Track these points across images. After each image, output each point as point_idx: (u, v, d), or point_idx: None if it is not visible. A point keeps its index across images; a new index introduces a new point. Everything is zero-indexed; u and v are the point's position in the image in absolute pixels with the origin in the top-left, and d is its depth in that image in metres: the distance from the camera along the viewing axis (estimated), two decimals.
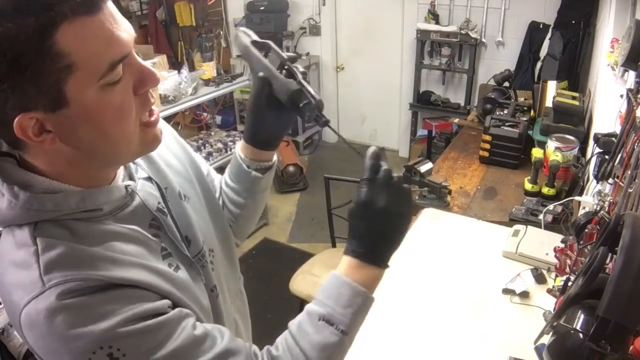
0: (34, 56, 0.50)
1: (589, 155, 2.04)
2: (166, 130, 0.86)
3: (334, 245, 2.56)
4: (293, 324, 0.73)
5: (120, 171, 0.72)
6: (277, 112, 0.80)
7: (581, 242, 1.07)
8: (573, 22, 3.32)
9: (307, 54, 4.73)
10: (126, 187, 0.69)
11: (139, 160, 0.75)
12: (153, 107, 0.65)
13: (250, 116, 0.83)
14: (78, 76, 0.53)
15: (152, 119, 0.65)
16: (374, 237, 0.73)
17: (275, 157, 0.92)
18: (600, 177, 1.47)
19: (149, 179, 0.75)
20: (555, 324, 0.72)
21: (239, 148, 0.89)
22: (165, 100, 3.29)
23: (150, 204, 0.71)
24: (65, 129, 0.56)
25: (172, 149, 0.85)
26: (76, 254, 0.58)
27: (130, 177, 0.73)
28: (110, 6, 0.56)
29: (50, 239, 0.58)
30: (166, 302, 0.63)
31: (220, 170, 1.01)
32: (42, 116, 0.54)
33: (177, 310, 0.63)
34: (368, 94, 4.80)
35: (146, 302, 0.60)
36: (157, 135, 0.67)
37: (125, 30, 0.58)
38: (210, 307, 0.76)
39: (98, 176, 0.66)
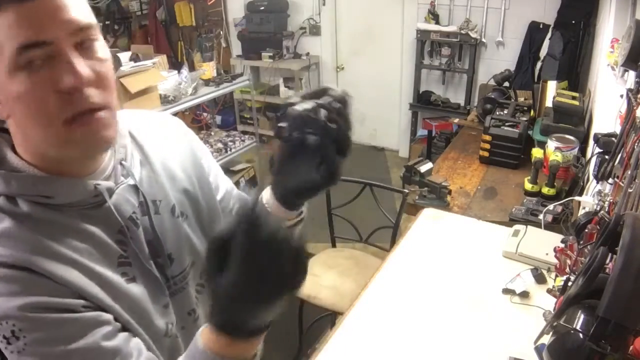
0: None
1: (589, 155, 2.04)
2: (183, 139, 0.85)
3: (334, 245, 2.56)
4: None
5: (109, 171, 0.71)
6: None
7: (581, 242, 1.07)
8: (573, 22, 3.32)
9: (307, 54, 4.73)
10: (95, 185, 0.67)
11: (137, 166, 0.74)
12: (101, 110, 0.62)
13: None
14: (0, 57, 0.56)
15: (77, 120, 0.60)
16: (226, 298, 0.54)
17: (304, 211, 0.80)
18: (600, 177, 1.47)
19: (135, 187, 0.72)
20: (555, 324, 0.72)
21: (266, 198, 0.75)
22: (165, 100, 3.29)
23: (122, 211, 0.70)
24: (4, 102, 0.59)
25: (183, 162, 0.82)
26: (13, 233, 0.61)
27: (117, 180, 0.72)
28: None
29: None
30: (80, 302, 0.62)
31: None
32: None
33: (94, 314, 0.63)
34: (368, 94, 4.79)
35: (55, 296, 0.60)
36: (92, 136, 0.62)
37: (59, 20, 0.56)
38: (167, 329, 0.73)
39: (64, 168, 0.66)
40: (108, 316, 0.64)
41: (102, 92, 0.62)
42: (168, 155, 0.81)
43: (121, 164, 0.72)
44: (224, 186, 0.90)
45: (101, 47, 0.63)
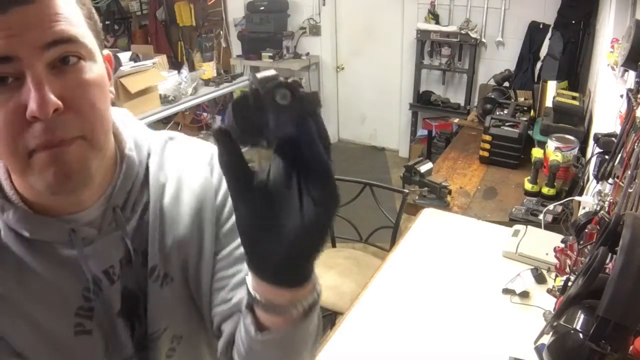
0: None
1: (589, 155, 2.04)
2: (209, 196, 0.70)
3: (334, 245, 2.56)
4: None
5: (97, 214, 0.63)
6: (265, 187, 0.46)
7: (581, 242, 1.07)
8: (573, 22, 3.32)
9: (307, 54, 4.73)
10: (71, 230, 0.60)
11: (135, 213, 0.66)
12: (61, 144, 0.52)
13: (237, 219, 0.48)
14: None
15: (38, 153, 0.52)
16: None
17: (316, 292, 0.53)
18: (600, 177, 1.47)
19: (122, 239, 0.64)
20: (555, 324, 0.72)
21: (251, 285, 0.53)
22: (165, 100, 3.29)
23: (96, 263, 0.62)
24: None
25: (200, 219, 0.69)
26: None
27: (107, 228, 0.64)
28: (26, 11, 0.48)
29: None
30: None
31: None
32: None
33: None
34: (368, 94, 4.80)
35: None
36: (53, 172, 0.52)
37: (30, 33, 0.49)
38: None
39: (44, 200, 0.59)
40: None
41: (78, 120, 0.53)
42: (188, 201, 0.69)
43: (114, 210, 0.63)
44: (230, 246, 0.71)
45: (89, 68, 0.54)
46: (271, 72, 0.42)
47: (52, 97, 0.49)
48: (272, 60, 4.58)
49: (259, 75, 0.42)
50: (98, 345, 0.64)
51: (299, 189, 0.43)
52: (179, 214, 0.68)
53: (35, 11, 0.49)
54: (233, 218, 0.69)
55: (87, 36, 0.54)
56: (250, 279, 0.51)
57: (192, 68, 4.00)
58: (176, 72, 3.55)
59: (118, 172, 0.64)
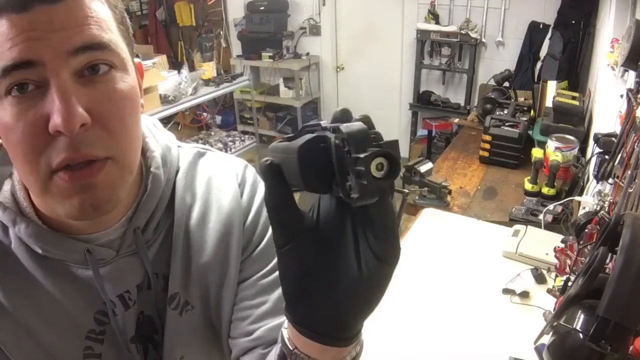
0: None
1: (589, 155, 2.04)
2: (253, 208, 0.66)
3: None
4: None
5: (116, 235, 0.58)
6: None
7: (581, 242, 1.07)
8: (573, 22, 3.32)
9: (307, 54, 4.73)
10: (87, 251, 0.55)
11: (158, 235, 0.61)
12: (87, 163, 0.46)
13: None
14: None
15: (66, 170, 0.46)
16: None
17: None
18: (600, 177, 1.47)
19: (141, 263, 0.59)
20: (555, 324, 0.72)
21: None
22: (165, 100, 3.29)
23: (112, 287, 0.58)
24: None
25: (226, 244, 0.64)
26: None
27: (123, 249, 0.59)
28: (53, 11, 0.43)
29: None
30: None
31: None
32: None
33: None
34: (368, 94, 4.79)
35: None
36: (77, 197, 0.47)
37: (54, 36, 0.43)
38: None
39: (61, 218, 0.54)
40: None
41: (109, 139, 0.47)
42: (215, 224, 0.64)
43: (134, 231, 0.58)
44: (259, 274, 0.66)
45: (120, 78, 0.48)
46: (361, 126, 0.35)
47: (80, 110, 0.43)
48: (272, 60, 4.58)
49: (348, 129, 0.34)
50: None
51: (355, 235, 0.37)
52: (205, 237, 0.63)
53: (63, 12, 0.43)
54: (262, 244, 0.66)
55: (119, 43, 0.49)
56: (287, 330, 0.45)
57: (192, 68, 4.00)
58: (176, 72, 3.55)
59: (142, 190, 0.59)
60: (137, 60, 0.56)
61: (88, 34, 0.45)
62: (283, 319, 0.45)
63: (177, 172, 0.64)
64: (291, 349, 0.44)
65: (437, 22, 3.98)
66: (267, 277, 0.65)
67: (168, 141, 0.65)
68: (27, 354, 0.55)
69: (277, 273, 0.52)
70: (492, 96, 3.26)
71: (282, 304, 0.43)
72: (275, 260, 0.53)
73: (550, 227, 1.82)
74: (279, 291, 0.63)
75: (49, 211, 0.55)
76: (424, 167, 2.20)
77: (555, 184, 2.15)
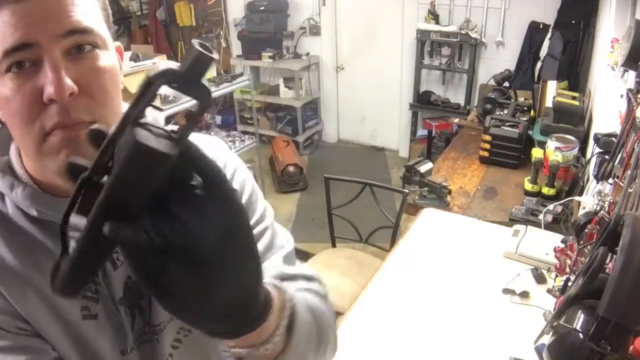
0: None
1: (589, 155, 2.04)
2: (237, 177, 0.73)
3: (334, 245, 2.56)
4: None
5: None
6: None
7: (581, 242, 1.07)
8: (573, 22, 3.32)
9: (307, 54, 4.73)
10: None
11: None
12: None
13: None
14: None
15: (53, 135, 0.54)
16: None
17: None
18: (600, 177, 1.47)
19: None
20: (555, 324, 0.72)
21: None
22: (165, 100, 3.29)
23: None
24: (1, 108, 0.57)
25: None
26: None
27: None
28: (48, 1, 0.52)
29: None
30: (16, 322, 0.58)
31: None
32: None
33: (25, 339, 0.58)
34: (368, 94, 4.80)
35: None
36: (58, 157, 0.55)
37: (48, 22, 0.51)
38: None
39: (56, 182, 0.61)
40: (42, 346, 0.59)
41: (94, 106, 0.55)
42: None
43: None
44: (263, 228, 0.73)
45: (102, 56, 0.57)
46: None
47: (69, 81, 0.52)
48: (272, 60, 4.58)
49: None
50: (105, 332, 0.64)
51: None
52: None
53: (54, 1, 0.52)
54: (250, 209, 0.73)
55: (101, 27, 0.57)
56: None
57: None
58: None
59: None
60: (117, 43, 0.64)
61: (75, 19, 0.53)
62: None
63: None
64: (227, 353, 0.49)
65: (437, 22, 3.98)
66: (262, 237, 0.72)
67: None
68: (33, 305, 0.59)
69: (257, 228, 0.72)
70: (492, 96, 3.26)
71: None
72: (256, 216, 0.73)
73: (550, 227, 1.82)
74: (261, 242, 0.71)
75: (42, 175, 0.61)
76: (424, 167, 2.20)
77: (555, 184, 2.15)
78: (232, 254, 0.39)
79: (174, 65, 0.35)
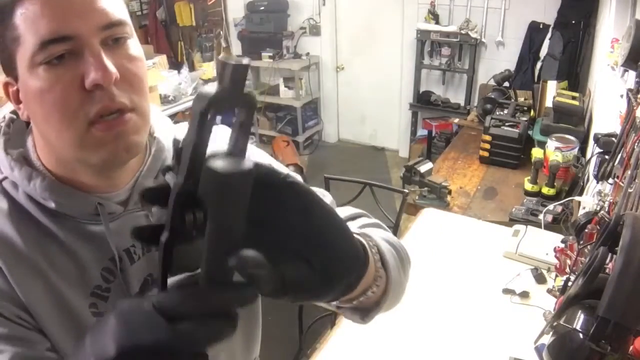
0: (1, 23, 0.53)
1: (589, 155, 2.04)
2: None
3: None
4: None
5: (124, 195, 0.64)
6: None
7: (581, 242, 1.07)
8: (573, 22, 3.32)
9: (307, 54, 4.73)
10: (98, 204, 0.61)
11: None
12: (119, 113, 0.55)
13: None
14: (21, 50, 0.53)
15: (102, 121, 0.55)
16: None
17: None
18: (600, 177, 1.47)
19: (147, 217, 0.65)
20: (555, 324, 0.72)
21: None
22: (165, 100, 3.29)
23: (120, 240, 0.62)
24: (25, 101, 0.57)
25: None
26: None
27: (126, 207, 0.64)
28: None
29: None
30: (17, 312, 0.57)
31: None
32: (13, 83, 0.57)
33: (23, 330, 0.57)
34: (368, 94, 4.80)
35: None
36: (115, 140, 0.56)
37: (87, 14, 0.52)
38: None
39: (77, 179, 0.61)
40: (38, 342, 0.57)
41: (132, 93, 0.57)
42: None
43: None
44: None
45: (133, 46, 0.58)
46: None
47: (113, 67, 0.53)
48: (272, 60, 4.58)
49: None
50: None
51: None
52: None
53: None
54: None
55: (128, 17, 0.59)
56: None
57: (192, 68, 4.00)
58: (176, 72, 3.55)
59: (147, 154, 0.67)
60: None
61: (111, 13, 0.55)
62: None
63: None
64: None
65: (437, 22, 3.98)
66: None
67: (164, 119, 0.73)
68: (39, 296, 0.58)
69: None
70: (492, 96, 3.26)
71: None
72: None
73: (550, 227, 1.82)
74: None
75: (60, 169, 0.61)
76: (424, 167, 2.20)
77: (555, 184, 2.15)
78: (333, 237, 0.42)
79: (212, 88, 0.34)
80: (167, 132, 0.70)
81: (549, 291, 1.42)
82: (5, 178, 0.60)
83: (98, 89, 0.53)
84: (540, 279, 1.51)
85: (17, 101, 0.58)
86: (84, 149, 0.56)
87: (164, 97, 3.28)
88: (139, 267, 0.65)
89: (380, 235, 0.65)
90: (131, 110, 0.56)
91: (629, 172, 1.15)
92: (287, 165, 4.21)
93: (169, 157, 0.68)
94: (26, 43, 0.52)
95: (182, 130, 0.76)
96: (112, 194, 0.63)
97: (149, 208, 0.64)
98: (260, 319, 0.84)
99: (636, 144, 1.16)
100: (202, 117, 0.34)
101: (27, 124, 0.63)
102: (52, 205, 0.59)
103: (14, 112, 0.64)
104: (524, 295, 1.46)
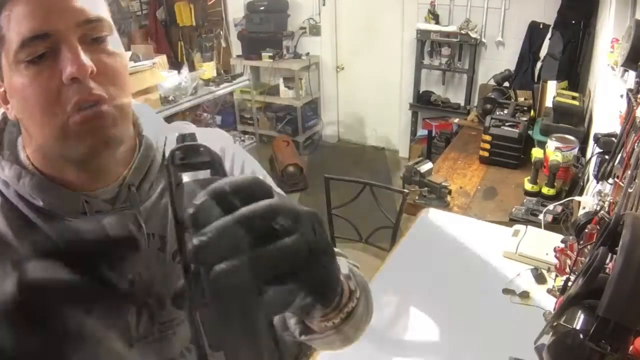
0: None
1: (589, 155, 2.04)
2: (237, 165, 0.76)
3: (334, 245, 2.56)
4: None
5: (112, 193, 0.64)
6: None
7: (581, 242, 1.07)
8: (573, 22, 3.32)
9: (307, 54, 4.73)
10: (85, 202, 0.62)
11: (153, 193, 0.67)
12: (96, 104, 0.57)
13: None
14: (5, 51, 0.55)
15: (79, 112, 0.56)
16: None
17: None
18: (600, 177, 1.47)
19: (134, 218, 0.64)
20: (555, 324, 0.72)
21: None
22: (165, 100, 3.29)
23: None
24: (10, 100, 0.59)
25: None
26: None
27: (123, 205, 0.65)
28: None
29: None
30: None
31: None
32: (0, 84, 0.59)
33: None
34: (368, 94, 4.80)
35: None
36: (93, 130, 0.57)
37: (65, 11, 0.54)
38: None
39: (65, 177, 0.62)
40: None
41: (108, 86, 0.58)
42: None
43: (129, 188, 0.65)
44: None
45: (112, 42, 0.60)
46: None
47: (88, 60, 0.55)
48: (272, 60, 4.58)
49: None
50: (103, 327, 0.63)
51: None
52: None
53: None
54: None
55: (107, 14, 0.60)
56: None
57: (192, 68, 4.00)
58: (176, 72, 3.55)
59: (136, 153, 0.67)
60: None
61: (88, 10, 0.57)
62: None
63: (165, 142, 0.71)
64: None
65: (437, 22, 3.98)
66: None
67: (155, 117, 0.74)
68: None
69: None
70: (492, 96, 3.26)
71: None
72: None
73: (550, 227, 1.82)
74: None
75: (48, 168, 0.62)
76: (424, 167, 2.20)
77: (555, 184, 2.15)
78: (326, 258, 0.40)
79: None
80: (157, 130, 0.71)
81: (549, 291, 1.42)
82: None
83: (75, 82, 0.55)
84: (540, 279, 1.51)
85: (5, 102, 0.60)
86: (65, 142, 0.58)
87: (163, 97, 3.28)
88: (127, 263, 0.64)
89: (352, 266, 0.68)
90: (108, 102, 0.58)
91: (629, 172, 1.15)
92: (287, 165, 4.21)
93: (157, 156, 0.69)
94: (9, 43, 0.54)
95: (178, 127, 0.77)
96: (99, 192, 0.64)
97: (136, 205, 0.65)
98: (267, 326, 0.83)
99: (636, 144, 1.16)
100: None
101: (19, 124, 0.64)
102: (40, 203, 0.61)
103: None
104: (524, 295, 1.46)
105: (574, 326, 0.66)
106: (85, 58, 0.55)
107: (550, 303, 1.32)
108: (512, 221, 1.96)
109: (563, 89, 2.90)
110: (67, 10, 0.55)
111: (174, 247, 0.67)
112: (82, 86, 0.56)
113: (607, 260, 0.70)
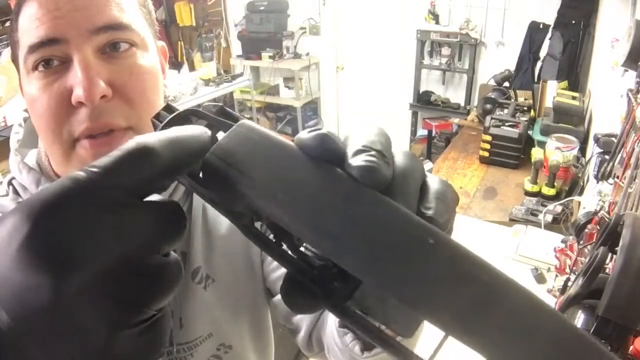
0: (12, 25, 0.51)
1: (589, 155, 2.04)
2: None
3: None
4: None
5: None
6: None
7: (581, 242, 1.07)
8: (573, 22, 3.32)
9: (307, 54, 4.73)
10: None
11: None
12: (110, 132, 0.49)
13: None
14: (20, 54, 0.50)
15: (88, 139, 0.49)
16: None
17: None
18: (600, 177, 1.47)
19: None
20: None
21: None
22: (165, 100, 3.29)
23: None
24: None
25: None
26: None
27: None
28: None
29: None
30: None
31: None
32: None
33: None
34: (368, 94, 4.79)
35: None
36: (88, 157, 0.49)
37: (79, 16, 0.46)
38: None
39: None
40: None
41: (126, 108, 0.49)
42: None
43: None
44: None
45: (140, 55, 0.51)
46: None
47: (100, 83, 0.46)
48: (272, 60, 4.58)
49: None
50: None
51: None
52: (223, 224, 0.65)
53: None
54: None
55: (139, 24, 0.52)
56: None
57: (192, 68, 4.00)
58: (176, 72, 3.55)
59: None
60: (160, 43, 0.59)
61: (109, 14, 0.48)
62: None
63: None
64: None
65: (437, 22, 3.98)
66: None
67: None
68: None
69: None
70: (492, 96, 3.26)
71: None
72: None
73: (550, 227, 1.82)
74: None
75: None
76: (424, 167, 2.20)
77: (555, 184, 2.15)
78: None
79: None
80: None
81: (549, 291, 1.42)
82: (14, 178, 0.59)
83: (83, 105, 0.47)
84: (540, 279, 1.51)
85: None
86: (69, 165, 0.51)
87: (163, 97, 3.28)
88: None
89: None
90: (126, 129, 0.49)
91: (629, 172, 1.15)
92: None
93: None
94: (22, 46, 0.49)
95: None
96: None
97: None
98: (271, 328, 0.81)
99: (636, 144, 1.16)
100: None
101: None
102: None
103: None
104: None
105: None
106: (96, 79, 0.46)
107: (550, 303, 1.32)
108: (512, 221, 1.96)
109: (563, 89, 2.90)
110: (81, 13, 0.47)
111: (194, 265, 0.61)
112: (91, 112, 0.47)
113: (607, 260, 0.70)
